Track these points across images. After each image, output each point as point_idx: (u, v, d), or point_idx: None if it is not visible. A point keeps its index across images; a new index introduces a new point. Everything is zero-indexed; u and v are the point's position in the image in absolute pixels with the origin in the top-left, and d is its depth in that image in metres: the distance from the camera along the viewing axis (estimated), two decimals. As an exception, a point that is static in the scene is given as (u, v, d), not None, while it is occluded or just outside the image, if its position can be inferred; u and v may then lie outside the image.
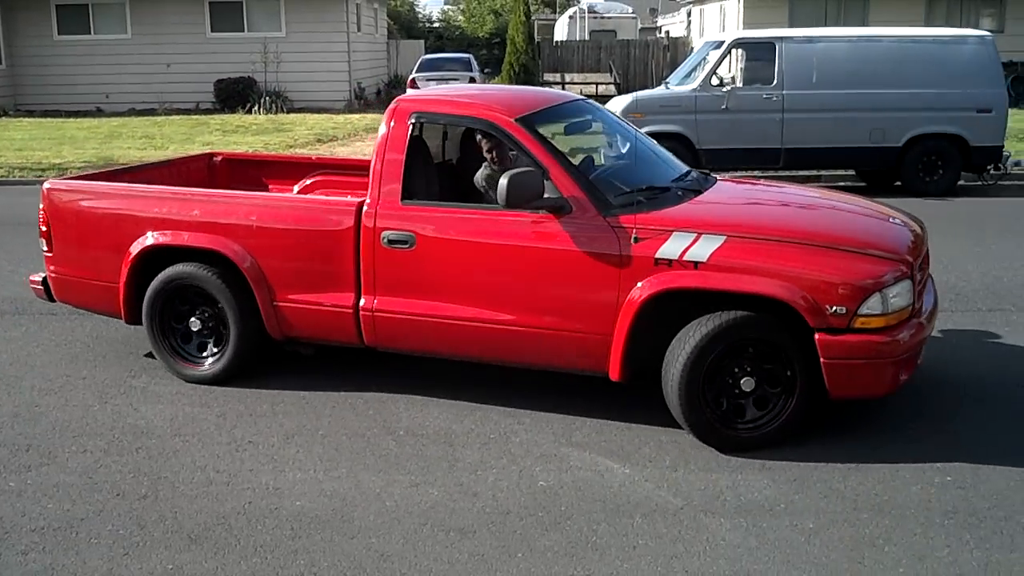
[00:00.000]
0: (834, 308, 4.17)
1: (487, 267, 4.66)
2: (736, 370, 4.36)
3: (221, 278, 5.13)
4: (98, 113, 23.18)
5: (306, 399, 5.10)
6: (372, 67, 27.96)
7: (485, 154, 5.20)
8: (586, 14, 31.62)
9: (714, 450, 4.39)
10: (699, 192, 4.98)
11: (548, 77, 24.68)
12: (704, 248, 4.30)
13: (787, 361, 4.31)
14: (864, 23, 21.48)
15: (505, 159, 5.13)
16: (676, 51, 26.50)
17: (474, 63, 24.09)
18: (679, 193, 4.87)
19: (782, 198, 5.42)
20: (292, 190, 6.53)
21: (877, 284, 4.20)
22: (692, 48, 23.56)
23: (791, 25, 20.56)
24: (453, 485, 4.12)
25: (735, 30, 21.00)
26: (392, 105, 5.02)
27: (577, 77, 25.44)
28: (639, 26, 34.46)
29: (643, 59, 26.90)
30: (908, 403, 4.86)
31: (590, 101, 5.90)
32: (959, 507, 3.87)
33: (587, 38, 29.56)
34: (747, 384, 4.36)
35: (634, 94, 12.44)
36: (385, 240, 4.79)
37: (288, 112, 22.33)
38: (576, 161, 4.91)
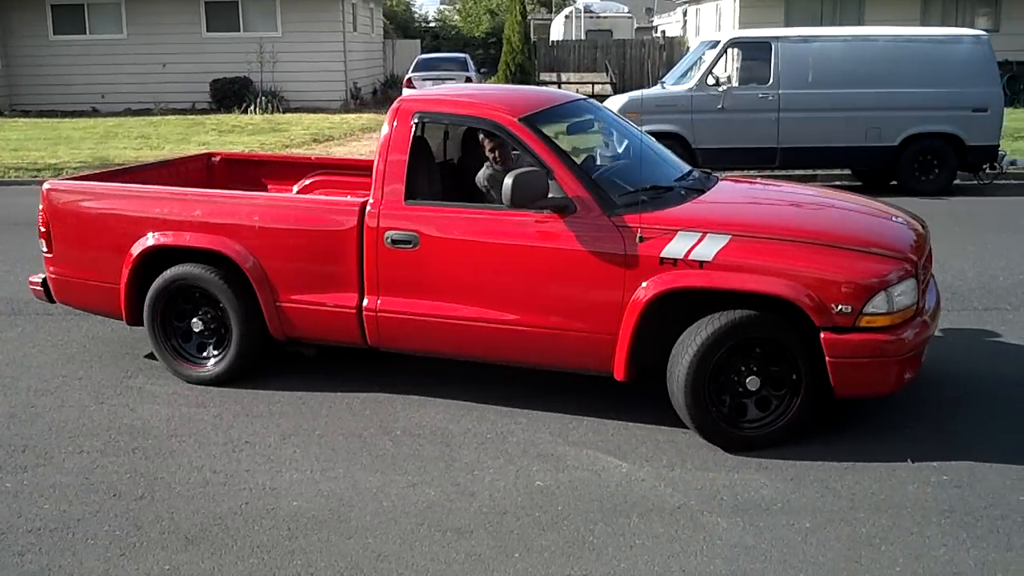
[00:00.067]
0: (839, 307, 4.17)
1: (491, 267, 4.65)
2: (742, 368, 4.36)
3: (223, 279, 5.12)
4: (94, 113, 23.15)
5: (303, 399, 5.10)
6: (368, 67, 27.95)
7: (487, 154, 5.19)
8: (582, 14, 31.58)
9: (711, 449, 4.39)
10: (702, 191, 4.98)
11: (544, 77, 24.66)
12: (709, 247, 4.30)
13: (792, 360, 4.31)
14: (860, 23, 21.51)
15: (508, 159, 5.13)
16: (672, 51, 26.49)
17: (470, 63, 24.08)
18: (682, 192, 4.88)
19: (784, 197, 5.43)
20: (291, 190, 6.52)
21: (882, 283, 4.21)
22: (688, 48, 23.61)
23: (787, 25, 20.60)
24: (450, 485, 4.12)
25: (731, 30, 21.05)
26: (395, 105, 5.01)
27: (573, 77, 25.39)
28: (635, 26, 34.44)
29: (639, 59, 26.89)
30: (905, 402, 4.87)
31: (592, 101, 5.89)
32: (955, 506, 3.87)
33: (583, 38, 29.52)
34: (752, 383, 4.36)
35: (630, 94, 12.45)
36: (389, 240, 4.78)
37: (284, 112, 22.31)
38: (579, 161, 4.91)
